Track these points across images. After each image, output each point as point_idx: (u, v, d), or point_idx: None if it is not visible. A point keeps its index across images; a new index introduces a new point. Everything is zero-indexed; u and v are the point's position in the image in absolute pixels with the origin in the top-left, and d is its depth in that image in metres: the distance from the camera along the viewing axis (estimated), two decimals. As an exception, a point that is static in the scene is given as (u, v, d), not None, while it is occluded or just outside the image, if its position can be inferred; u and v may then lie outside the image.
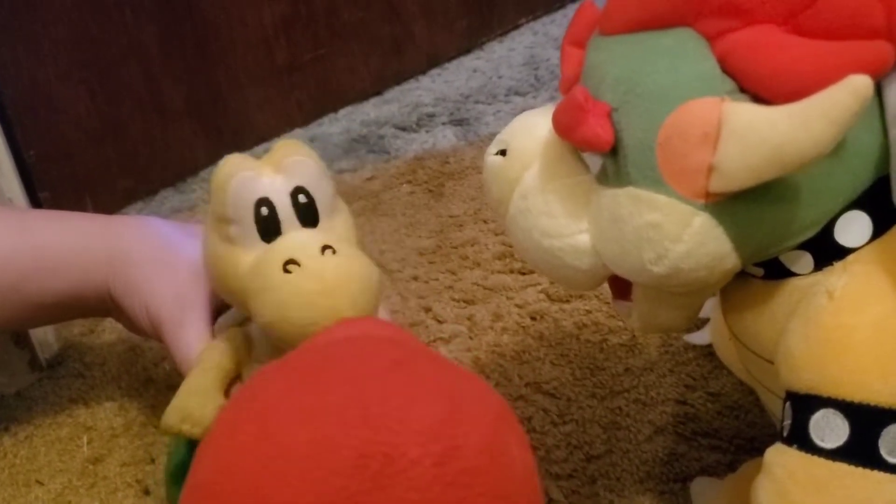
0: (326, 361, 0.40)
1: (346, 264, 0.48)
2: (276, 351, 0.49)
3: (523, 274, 0.78)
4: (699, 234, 0.37)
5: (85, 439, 0.68)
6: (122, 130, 0.98)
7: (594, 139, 0.38)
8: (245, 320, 0.56)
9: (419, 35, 1.18)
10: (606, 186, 0.40)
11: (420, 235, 0.87)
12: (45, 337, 0.77)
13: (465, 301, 0.77)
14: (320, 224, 0.51)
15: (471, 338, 0.72)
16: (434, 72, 1.21)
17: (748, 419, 0.61)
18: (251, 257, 0.49)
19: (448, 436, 0.36)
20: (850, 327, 0.37)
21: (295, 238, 0.49)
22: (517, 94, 1.12)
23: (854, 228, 0.38)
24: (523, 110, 0.46)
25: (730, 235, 0.37)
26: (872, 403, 0.36)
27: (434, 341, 0.73)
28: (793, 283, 0.40)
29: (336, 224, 0.52)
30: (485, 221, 0.87)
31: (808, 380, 0.38)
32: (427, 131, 1.07)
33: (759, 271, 0.41)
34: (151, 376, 0.74)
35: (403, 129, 1.09)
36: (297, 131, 1.12)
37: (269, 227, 0.49)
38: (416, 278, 0.81)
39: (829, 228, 0.39)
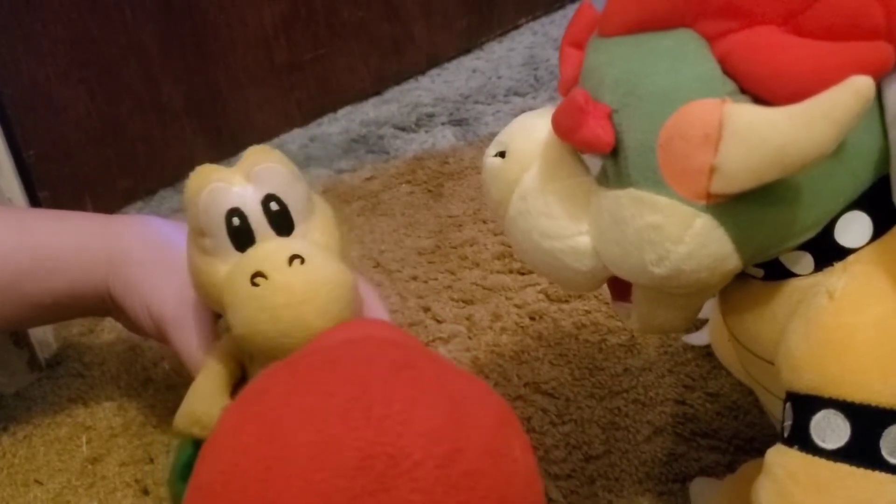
0: (330, 363, 0.40)
1: (313, 275, 0.47)
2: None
3: (522, 274, 0.78)
4: (700, 235, 0.37)
5: (84, 439, 0.68)
6: (122, 130, 0.98)
7: (595, 141, 0.38)
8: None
9: (419, 35, 1.18)
10: (607, 188, 0.40)
11: (419, 235, 0.87)
12: (44, 337, 0.77)
13: (464, 301, 0.77)
14: (295, 230, 0.50)
15: (470, 338, 0.72)
16: (433, 72, 1.21)
17: (747, 419, 0.61)
18: (227, 268, 0.49)
19: (451, 438, 0.36)
20: (851, 327, 0.37)
21: (262, 249, 0.48)
22: (517, 94, 1.12)
23: (854, 229, 0.38)
24: (523, 110, 0.46)
25: (731, 237, 0.37)
26: (873, 404, 0.36)
27: (433, 341, 0.73)
28: (793, 283, 0.40)
29: (312, 229, 0.51)
30: (484, 221, 0.87)
31: (809, 380, 0.38)
32: (426, 131, 1.07)
33: (759, 272, 0.41)
34: (150, 376, 0.74)
35: (403, 129, 1.09)
36: (297, 131, 1.12)
37: (241, 238, 0.49)
38: (415, 278, 0.81)
39: (829, 229, 0.39)
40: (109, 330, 0.80)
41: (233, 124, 1.06)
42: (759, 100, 0.36)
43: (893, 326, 0.37)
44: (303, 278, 0.47)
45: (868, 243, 0.38)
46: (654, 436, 0.61)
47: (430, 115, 1.10)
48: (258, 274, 0.47)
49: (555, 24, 1.28)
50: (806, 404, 0.38)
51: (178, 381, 0.72)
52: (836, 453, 0.37)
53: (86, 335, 0.80)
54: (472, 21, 1.23)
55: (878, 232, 0.38)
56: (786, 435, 0.39)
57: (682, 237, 0.37)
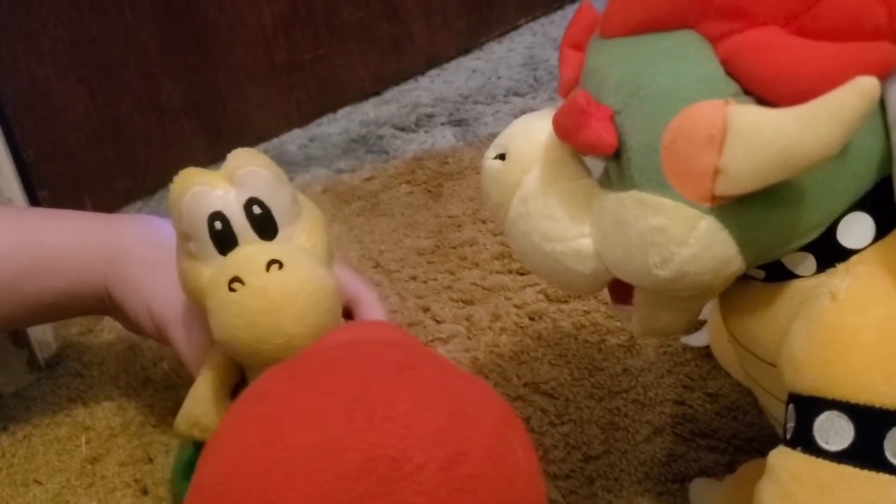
0: (331, 364, 0.40)
1: (291, 280, 0.47)
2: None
3: (522, 274, 0.78)
4: (705, 237, 0.37)
5: (83, 439, 0.68)
6: (121, 130, 0.98)
7: (597, 142, 0.38)
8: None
9: (418, 35, 1.18)
10: (609, 190, 0.40)
11: (419, 235, 0.87)
12: (43, 336, 0.77)
13: (463, 301, 0.77)
14: (280, 234, 0.50)
15: (469, 338, 0.72)
16: (433, 72, 1.21)
17: (746, 420, 0.61)
18: (210, 272, 0.49)
19: (454, 440, 0.36)
20: (854, 328, 0.37)
21: (241, 254, 0.48)
22: (516, 94, 1.12)
23: (857, 230, 0.38)
24: (522, 111, 0.46)
25: (735, 238, 0.37)
26: (877, 405, 0.36)
27: (432, 341, 0.73)
28: (795, 284, 0.40)
29: (298, 233, 0.51)
30: (483, 222, 0.87)
31: (812, 381, 0.38)
32: (426, 131, 1.07)
33: (761, 273, 0.41)
34: (150, 376, 0.74)
35: (402, 129, 1.09)
36: (296, 131, 1.12)
37: (224, 241, 0.49)
38: (414, 278, 0.81)
39: (831, 230, 0.38)
40: (109, 330, 0.80)
41: (232, 124, 1.06)
42: (762, 101, 0.36)
43: (896, 327, 0.37)
44: (279, 283, 0.46)
45: (870, 244, 0.38)
46: (653, 436, 0.61)
47: (430, 116, 1.10)
48: (235, 279, 0.46)
49: (554, 25, 1.28)
50: (809, 406, 0.38)
51: (177, 381, 0.72)
52: (840, 455, 0.36)
53: (85, 335, 0.80)
54: (471, 21, 1.23)
55: (881, 233, 0.38)
56: (789, 437, 0.39)
57: (687, 239, 0.37)
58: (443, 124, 1.08)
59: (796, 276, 0.40)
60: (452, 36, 1.22)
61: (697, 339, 0.67)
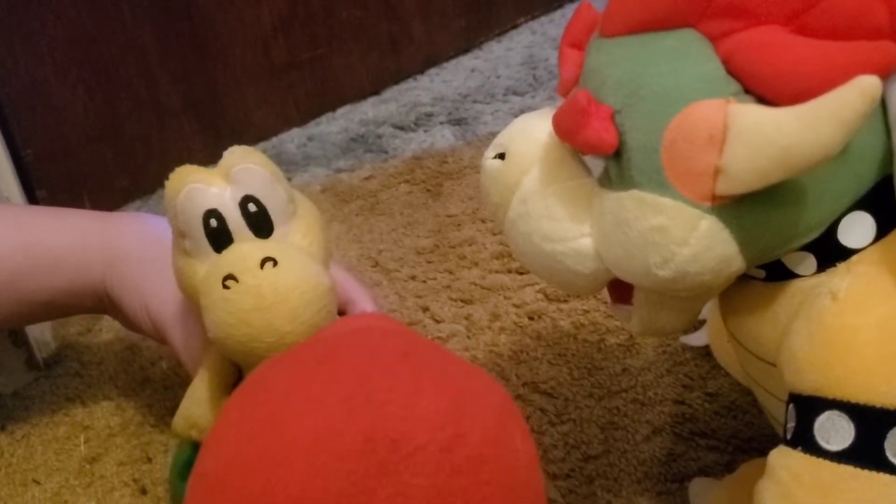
0: (333, 352, 0.40)
1: (285, 278, 0.46)
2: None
3: (521, 274, 0.78)
4: (706, 237, 0.37)
5: (82, 438, 0.68)
6: (120, 129, 0.98)
7: (598, 142, 0.38)
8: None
9: (417, 34, 1.18)
10: (609, 189, 0.39)
11: (418, 235, 0.87)
12: (42, 336, 0.77)
13: (462, 301, 0.76)
14: (275, 232, 0.50)
15: (468, 337, 0.72)
16: (432, 71, 1.21)
17: (746, 419, 0.61)
18: (205, 269, 0.49)
19: (454, 424, 0.37)
20: (855, 328, 0.37)
21: (236, 251, 0.48)
22: (515, 93, 1.12)
23: (857, 229, 0.38)
24: (521, 110, 0.46)
25: (736, 238, 0.37)
26: (878, 405, 0.36)
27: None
28: (795, 284, 0.40)
29: (294, 231, 0.51)
30: (483, 221, 0.87)
31: (813, 381, 0.38)
32: (425, 131, 1.07)
33: (761, 273, 0.41)
34: (148, 375, 0.74)
35: (401, 128, 1.09)
36: (295, 130, 1.12)
37: (219, 239, 0.48)
38: (413, 278, 0.81)
39: (832, 230, 0.38)
40: (108, 329, 0.80)
41: (231, 123, 1.06)
42: (762, 100, 0.36)
43: (897, 327, 0.37)
44: (272, 281, 0.46)
45: (871, 244, 0.38)
46: (652, 435, 0.61)
47: (429, 115, 1.10)
48: (229, 276, 0.46)
49: (554, 24, 1.28)
50: (809, 406, 0.38)
51: (176, 380, 0.72)
52: (841, 455, 0.36)
53: (84, 335, 0.80)
54: (470, 20, 1.23)
55: (882, 232, 0.38)
56: (789, 437, 0.39)
57: (688, 239, 0.37)
58: (442, 123, 1.08)
59: (797, 276, 0.40)
60: (451, 35, 1.22)
61: (697, 339, 0.67)
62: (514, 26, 1.28)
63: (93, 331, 0.80)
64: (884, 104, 0.37)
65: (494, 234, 0.84)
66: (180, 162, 0.50)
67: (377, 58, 1.16)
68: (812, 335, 0.38)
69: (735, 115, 0.35)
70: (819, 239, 0.39)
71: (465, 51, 1.24)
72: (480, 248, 0.82)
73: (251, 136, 1.07)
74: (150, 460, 0.65)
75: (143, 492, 0.63)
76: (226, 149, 0.51)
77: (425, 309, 0.76)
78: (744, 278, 0.41)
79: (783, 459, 0.38)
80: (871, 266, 0.38)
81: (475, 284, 0.78)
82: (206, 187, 0.48)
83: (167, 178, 0.49)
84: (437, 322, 0.75)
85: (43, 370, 0.76)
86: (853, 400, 0.36)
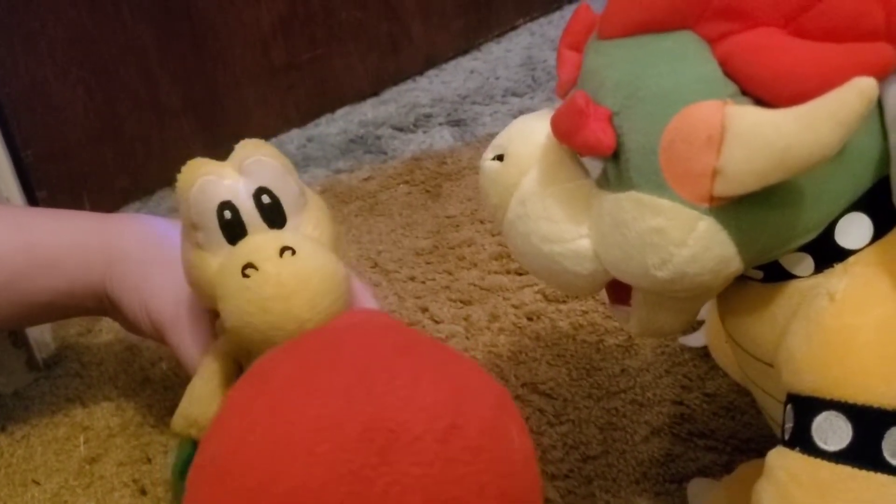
0: (334, 344, 0.41)
1: (304, 266, 0.47)
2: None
3: (520, 274, 0.78)
4: (704, 238, 0.37)
5: (81, 439, 0.68)
6: (120, 130, 0.98)
7: (596, 144, 0.38)
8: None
9: (416, 35, 1.18)
10: (608, 191, 0.39)
11: (417, 236, 0.87)
12: (42, 337, 0.77)
13: (461, 301, 0.77)
14: (288, 223, 0.50)
15: (467, 338, 0.72)
16: (431, 72, 1.21)
17: (744, 420, 0.61)
18: (219, 261, 0.49)
19: (451, 414, 0.37)
20: (853, 329, 0.37)
21: (253, 241, 0.48)
22: (514, 94, 1.12)
23: (855, 230, 0.38)
24: (520, 111, 0.46)
25: (734, 239, 0.37)
26: (875, 405, 0.36)
27: (431, 342, 0.73)
28: (793, 285, 0.40)
29: (305, 222, 0.51)
30: (481, 222, 0.87)
31: (811, 382, 0.38)
32: (424, 132, 1.07)
33: (759, 274, 0.41)
34: (148, 376, 0.74)
35: (401, 129, 1.09)
36: (295, 131, 1.12)
37: (233, 231, 0.49)
38: (412, 278, 0.81)
39: (829, 230, 0.39)
40: (107, 330, 0.80)
41: (231, 124, 1.06)
42: (760, 101, 0.36)
43: (895, 328, 0.37)
44: (293, 269, 0.46)
45: (868, 244, 0.38)
46: (651, 436, 0.61)
47: (428, 116, 1.10)
48: (249, 265, 0.46)
49: (552, 25, 1.28)
50: (807, 406, 0.38)
51: (176, 381, 0.72)
52: (839, 455, 0.37)
53: (84, 335, 0.80)
54: (469, 21, 1.23)
55: (879, 233, 0.38)
56: (787, 437, 0.39)
57: (686, 240, 0.37)
58: (441, 124, 1.08)
59: (794, 277, 0.40)
60: (451, 36, 1.22)
61: (695, 340, 0.67)
62: (513, 27, 1.28)
63: (93, 331, 0.80)
64: (880, 106, 0.37)
65: (493, 235, 0.84)
66: (180, 162, 0.50)
67: (376, 59, 1.16)
68: (810, 336, 0.38)
69: (733, 116, 0.35)
70: (816, 240, 0.39)
71: (465, 52, 1.24)
72: (479, 249, 0.83)
73: (250, 137, 1.07)
74: (149, 461, 0.65)
75: (143, 492, 0.63)
76: (225, 149, 0.51)
77: (424, 309, 0.76)
78: (742, 279, 0.42)
79: (781, 460, 0.39)
80: (869, 267, 0.38)
81: (474, 285, 0.78)
82: (220, 179, 0.49)
83: (169, 180, 0.49)
84: (436, 323, 0.75)
85: (43, 371, 0.76)
86: (851, 400, 0.36)
